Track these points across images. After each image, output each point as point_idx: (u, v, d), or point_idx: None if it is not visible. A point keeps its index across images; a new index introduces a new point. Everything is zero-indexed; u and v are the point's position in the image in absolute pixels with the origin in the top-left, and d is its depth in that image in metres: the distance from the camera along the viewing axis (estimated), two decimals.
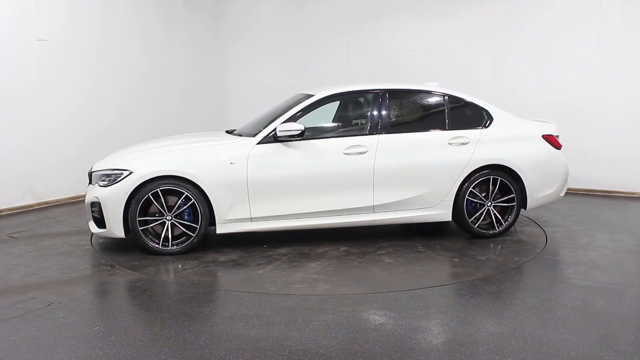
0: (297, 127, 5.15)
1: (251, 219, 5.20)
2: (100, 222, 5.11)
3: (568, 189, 6.36)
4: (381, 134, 5.42)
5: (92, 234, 5.57)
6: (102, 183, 5.09)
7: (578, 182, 7.99)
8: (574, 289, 4.29)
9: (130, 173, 5.00)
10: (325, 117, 5.82)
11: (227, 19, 10.64)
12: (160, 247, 5.07)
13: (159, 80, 9.26)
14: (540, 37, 8.34)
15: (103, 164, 5.33)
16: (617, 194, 8.01)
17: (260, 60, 10.43)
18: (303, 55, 10.06)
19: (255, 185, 5.13)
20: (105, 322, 3.63)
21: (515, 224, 5.99)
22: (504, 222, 5.61)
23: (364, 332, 3.45)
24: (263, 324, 3.59)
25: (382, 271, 4.68)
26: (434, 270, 4.75)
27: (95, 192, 5.11)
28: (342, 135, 5.50)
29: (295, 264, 4.89)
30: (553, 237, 5.71)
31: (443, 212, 5.50)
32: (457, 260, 4.98)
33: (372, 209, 5.38)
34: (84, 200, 7.64)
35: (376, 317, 3.69)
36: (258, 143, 5.22)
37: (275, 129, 5.21)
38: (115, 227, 5.01)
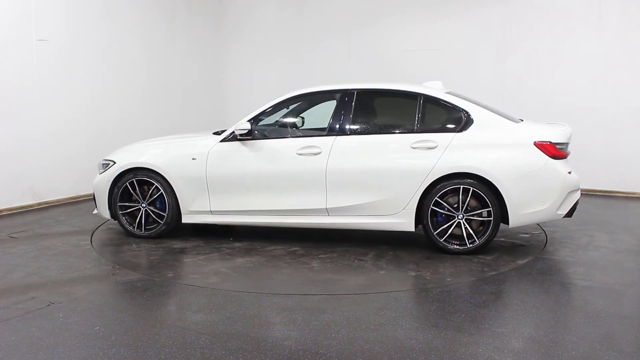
0: (244, 126, 5.37)
1: (211, 212, 5.51)
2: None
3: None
4: (339, 135, 5.24)
5: (92, 234, 5.95)
6: (100, 171, 5.80)
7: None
8: (574, 289, 4.29)
9: (114, 163, 5.68)
10: (296, 117, 5.90)
11: (227, 19, 10.64)
12: (135, 230, 5.67)
13: (159, 80, 9.26)
14: (540, 37, 8.34)
15: (107, 155, 5.98)
16: (617, 194, 8.01)
17: (261, 60, 10.43)
18: (303, 54, 10.06)
19: (213, 181, 5.43)
20: (105, 322, 3.63)
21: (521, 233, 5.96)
22: (478, 238, 4.98)
23: (364, 332, 3.45)
24: (263, 324, 3.59)
25: (290, 274, 4.63)
26: (343, 279, 4.47)
27: (95, 179, 5.86)
28: (302, 135, 5.53)
29: (228, 257, 5.09)
30: (553, 237, 5.70)
31: (404, 222, 5.08)
32: (382, 272, 4.64)
33: (326, 211, 5.22)
34: (84, 200, 7.72)
35: (376, 317, 3.69)
36: (221, 141, 5.51)
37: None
38: (103, 210, 5.76)
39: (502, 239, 5.55)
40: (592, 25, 8.02)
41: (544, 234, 5.80)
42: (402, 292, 4.21)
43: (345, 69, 9.66)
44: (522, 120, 5.46)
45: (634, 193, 7.95)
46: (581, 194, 5.30)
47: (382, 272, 4.67)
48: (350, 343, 3.31)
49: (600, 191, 8.12)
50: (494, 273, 4.57)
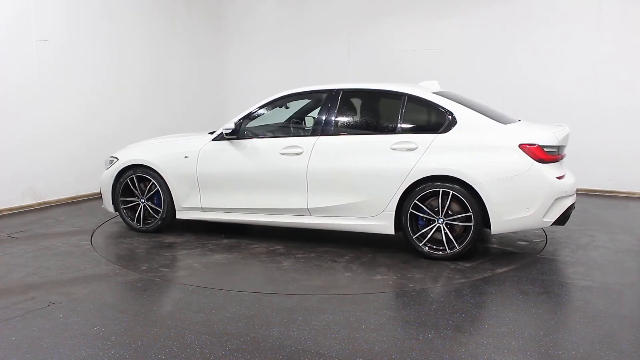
0: (230, 125, 5.48)
1: (202, 209, 5.65)
2: None
3: None
4: (322, 135, 5.20)
5: (92, 234, 5.98)
6: (106, 167, 6.05)
7: (578, 182, 7.98)
8: (574, 289, 4.29)
9: (117, 160, 5.95)
10: (285, 117, 5.93)
11: (227, 19, 10.64)
12: (134, 224, 5.90)
13: (159, 80, 9.26)
14: (541, 37, 8.33)
15: (114, 152, 6.21)
16: (617, 194, 8.01)
17: (261, 60, 10.42)
18: (303, 54, 10.05)
19: (203, 178, 5.57)
20: (105, 322, 3.64)
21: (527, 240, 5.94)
22: (458, 243, 4.76)
23: (364, 332, 3.45)
24: (263, 324, 3.59)
25: (256, 272, 4.69)
26: (303, 280, 4.45)
27: (102, 175, 6.10)
28: (287, 135, 5.57)
29: (208, 253, 5.21)
30: (553, 237, 5.70)
31: (383, 224, 4.96)
32: (348, 274, 4.57)
33: (308, 211, 5.20)
34: (84, 200, 7.72)
35: (376, 317, 3.69)
36: (212, 140, 5.63)
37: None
38: (107, 204, 6.02)
39: (495, 246, 5.43)
40: (592, 25, 8.02)
41: (543, 234, 5.73)
42: (400, 292, 4.21)
43: (345, 69, 9.66)
44: (519, 121, 5.32)
45: (634, 193, 7.94)
46: (581, 194, 5.11)
47: (348, 274, 4.60)
48: (350, 343, 3.31)
49: (600, 191, 8.11)
50: (463, 281, 4.39)
